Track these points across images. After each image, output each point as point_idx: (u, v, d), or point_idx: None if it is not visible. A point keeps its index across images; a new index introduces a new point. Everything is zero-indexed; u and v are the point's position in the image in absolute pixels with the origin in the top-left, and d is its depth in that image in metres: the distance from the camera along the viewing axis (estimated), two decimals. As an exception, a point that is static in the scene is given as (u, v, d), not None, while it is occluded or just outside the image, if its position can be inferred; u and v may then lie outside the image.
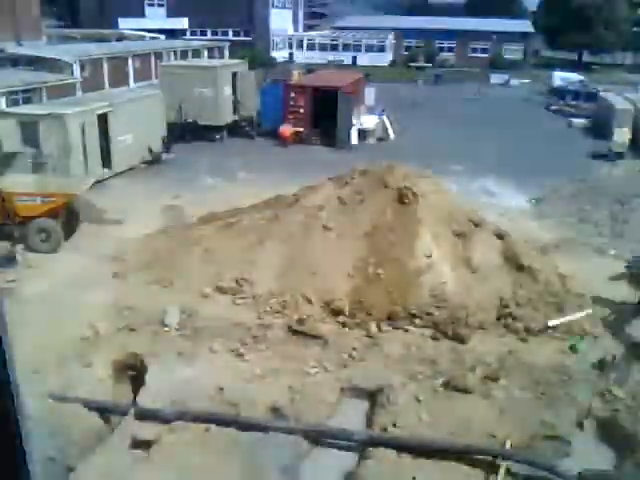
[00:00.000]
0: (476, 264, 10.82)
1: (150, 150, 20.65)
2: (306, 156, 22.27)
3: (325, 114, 24.23)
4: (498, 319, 10.08)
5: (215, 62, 28.36)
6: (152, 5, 51.45)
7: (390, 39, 56.25)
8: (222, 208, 13.67)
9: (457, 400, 8.04)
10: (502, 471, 6.79)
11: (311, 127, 24.76)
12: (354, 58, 53.68)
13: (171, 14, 50.46)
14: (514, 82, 46.46)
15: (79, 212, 13.90)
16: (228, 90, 25.19)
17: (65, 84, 22.66)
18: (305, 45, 56.66)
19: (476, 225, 11.57)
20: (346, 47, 55.51)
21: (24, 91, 20.55)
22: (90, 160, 17.57)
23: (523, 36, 56.64)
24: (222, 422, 7.42)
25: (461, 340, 9.51)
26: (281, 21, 57.06)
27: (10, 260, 12.20)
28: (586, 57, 60.63)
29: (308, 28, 66.30)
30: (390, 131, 26.66)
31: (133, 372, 8.90)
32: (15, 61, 24.88)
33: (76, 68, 23.85)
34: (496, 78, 47.45)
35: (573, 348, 9.24)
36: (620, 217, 15.52)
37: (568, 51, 60.62)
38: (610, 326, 10.00)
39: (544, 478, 6.79)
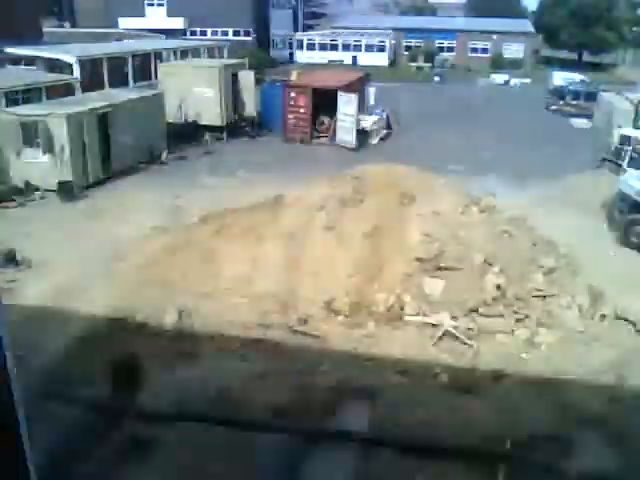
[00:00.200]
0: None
1: (150, 150, 20.66)
2: (306, 156, 22.27)
3: (325, 114, 24.24)
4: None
5: (215, 62, 28.36)
6: (152, 5, 51.43)
7: (390, 39, 56.25)
8: (222, 208, 13.67)
9: (457, 400, 8.04)
10: (502, 472, 6.79)
11: (311, 127, 24.76)
12: (354, 58, 53.67)
13: (171, 14, 50.44)
14: (514, 82, 46.47)
15: None
16: (228, 90, 25.20)
17: (65, 84, 22.65)
18: (305, 45, 56.65)
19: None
20: (346, 47, 55.50)
21: (24, 91, 20.55)
22: (90, 160, 17.59)
23: (523, 36, 56.63)
24: (222, 422, 7.42)
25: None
26: (281, 21, 57.04)
27: (10, 260, 12.20)
28: (586, 57, 60.64)
29: (308, 28, 66.25)
30: (391, 130, 26.69)
31: (133, 372, 8.89)
32: (15, 61, 24.88)
33: (76, 68, 23.83)
34: (496, 78, 47.46)
35: None
36: None
37: (568, 51, 60.64)
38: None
39: (544, 478, 6.79)
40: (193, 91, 24.13)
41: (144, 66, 29.29)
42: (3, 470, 1.66)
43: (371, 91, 30.62)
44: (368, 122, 26.01)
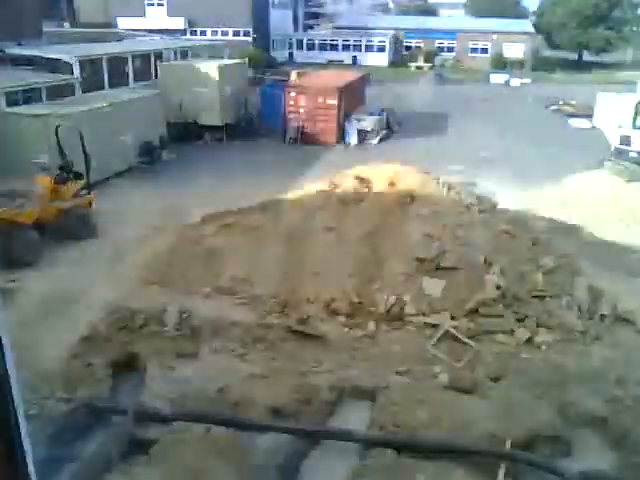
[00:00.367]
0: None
1: (150, 150, 20.67)
2: (307, 156, 22.28)
3: (325, 113, 24.25)
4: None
5: (215, 62, 28.32)
6: (152, 5, 51.46)
7: (390, 39, 56.27)
8: (222, 208, 13.67)
9: (457, 400, 8.03)
10: (502, 472, 6.79)
11: (311, 127, 24.76)
12: (354, 58, 53.72)
13: (171, 14, 50.47)
14: (514, 82, 46.49)
15: None
16: (228, 90, 25.21)
17: (65, 84, 22.65)
18: (305, 45, 56.68)
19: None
20: (346, 47, 55.53)
21: (24, 91, 20.55)
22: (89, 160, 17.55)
23: (523, 36, 56.63)
24: (222, 422, 7.42)
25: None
26: (281, 21, 57.07)
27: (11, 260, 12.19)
28: (587, 57, 60.64)
29: (308, 28, 66.30)
30: (391, 130, 26.69)
31: (133, 372, 8.90)
32: (15, 61, 24.85)
33: (76, 68, 23.81)
34: (496, 78, 47.48)
35: None
36: None
37: (568, 51, 60.64)
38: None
39: (544, 478, 6.79)
40: (193, 91, 24.15)
41: (144, 66, 29.28)
42: (3, 470, 1.66)
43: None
44: (368, 122, 26.03)
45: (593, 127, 28.77)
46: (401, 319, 10.09)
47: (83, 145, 13.92)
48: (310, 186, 13.27)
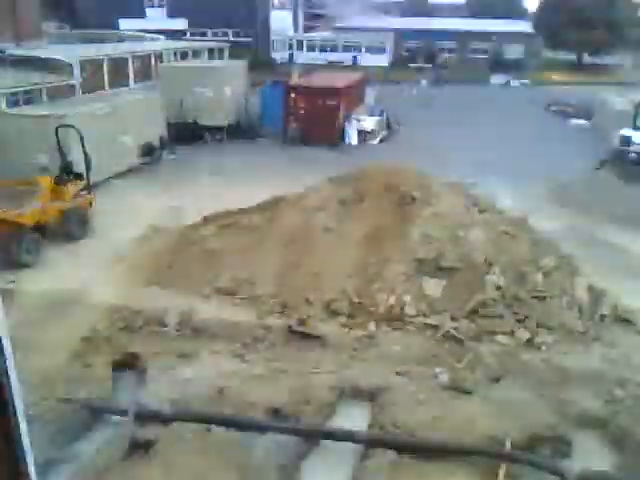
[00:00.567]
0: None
1: (150, 150, 20.68)
2: (307, 156, 22.28)
3: (325, 114, 24.24)
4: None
5: (215, 63, 28.40)
6: (152, 6, 51.47)
7: (390, 40, 56.25)
8: (222, 208, 13.68)
9: (457, 400, 8.03)
10: (502, 472, 6.79)
11: (311, 127, 24.76)
12: (354, 58, 53.69)
13: (171, 15, 50.49)
14: (514, 83, 46.50)
15: None
16: (228, 91, 25.21)
17: (65, 85, 22.68)
18: (305, 46, 56.65)
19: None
20: (346, 48, 55.52)
21: (25, 92, 20.58)
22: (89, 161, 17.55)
23: (523, 36, 56.63)
24: (222, 422, 7.42)
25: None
26: (281, 22, 57.08)
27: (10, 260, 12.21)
28: (587, 58, 60.57)
29: (308, 29, 66.32)
30: (391, 130, 26.70)
31: (133, 372, 8.89)
32: (15, 62, 24.86)
33: (76, 69, 23.83)
34: (496, 79, 47.50)
35: None
36: None
37: (568, 51, 60.59)
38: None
39: (544, 478, 6.78)
40: (193, 91, 24.17)
41: (145, 67, 29.30)
42: (3, 470, 1.66)
43: (371, 93, 30.67)
44: (368, 123, 26.04)
45: (593, 127, 28.78)
46: (401, 319, 10.09)
47: (83, 146, 13.96)
48: (310, 186, 13.23)
